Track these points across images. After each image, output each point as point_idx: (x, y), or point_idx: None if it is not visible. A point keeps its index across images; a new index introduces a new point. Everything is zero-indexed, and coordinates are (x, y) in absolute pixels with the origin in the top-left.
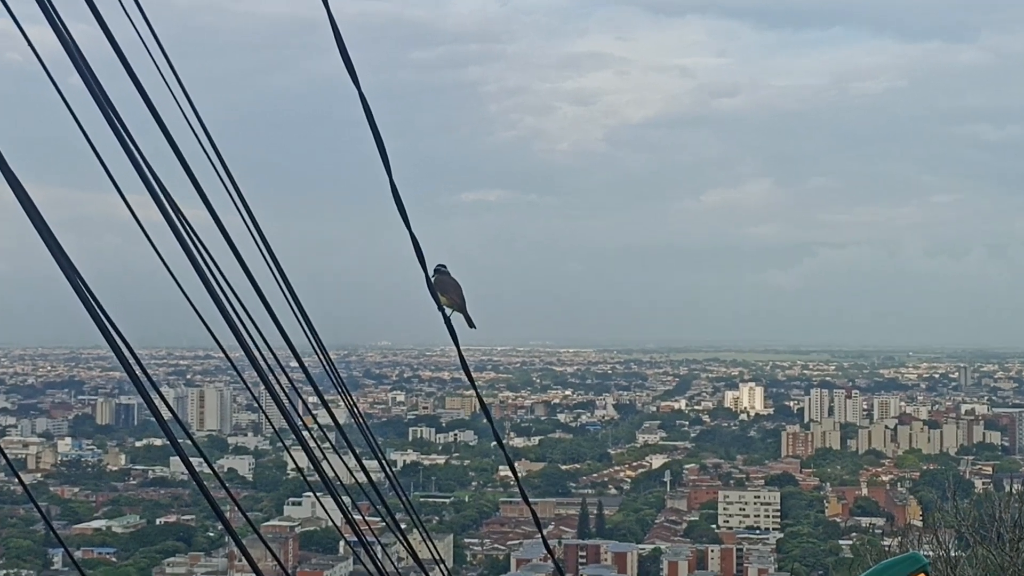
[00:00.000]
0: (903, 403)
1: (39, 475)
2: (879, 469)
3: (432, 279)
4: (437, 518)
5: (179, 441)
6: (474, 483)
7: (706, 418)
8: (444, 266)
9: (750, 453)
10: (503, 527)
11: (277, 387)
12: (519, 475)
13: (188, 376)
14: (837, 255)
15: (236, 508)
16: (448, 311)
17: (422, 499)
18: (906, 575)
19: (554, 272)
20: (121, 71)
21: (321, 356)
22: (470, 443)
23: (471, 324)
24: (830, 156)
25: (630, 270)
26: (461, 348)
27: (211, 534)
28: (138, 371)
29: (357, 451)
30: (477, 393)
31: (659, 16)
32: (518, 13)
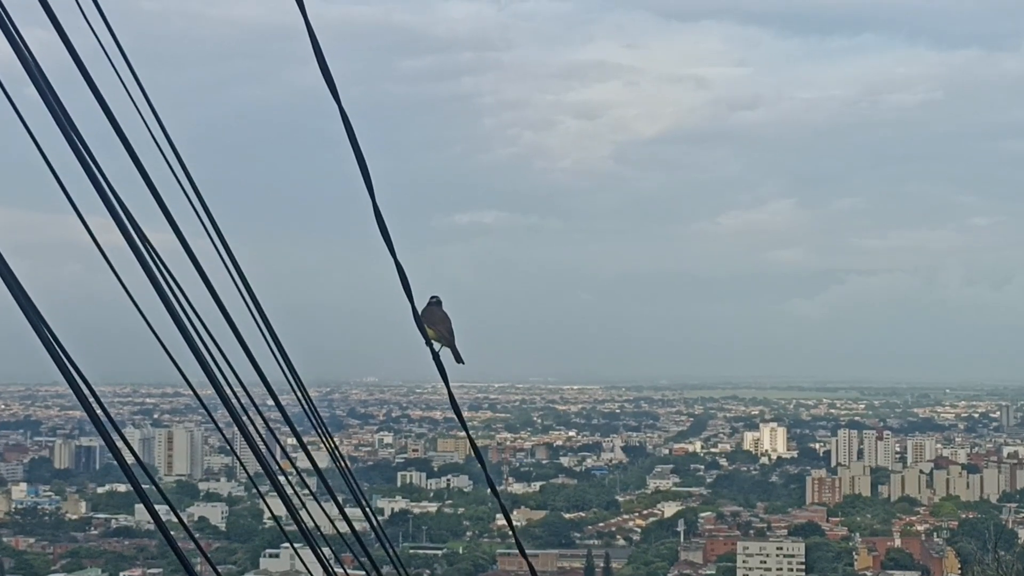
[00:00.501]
0: (940, 445)
1: None
2: (913, 518)
3: (421, 310)
4: (428, 572)
5: (144, 487)
6: (469, 533)
7: (723, 462)
8: (437, 297)
9: (772, 500)
10: None
11: (251, 428)
12: (518, 524)
13: (155, 416)
14: (867, 283)
15: (206, 561)
16: (436, 345)
17: (412, 551)
18: None
19: (557, 302)
20: (81, 82)
21: (300, 394)
22: (464, 489)
23: (459, 359)
24: (859, 175)
25: (640, 300)
26: (453, 385)
27: None
28: (99, 411)
29: (340, 498)
30: (468, 435)
31: (671, 22)
32: (516, 19)
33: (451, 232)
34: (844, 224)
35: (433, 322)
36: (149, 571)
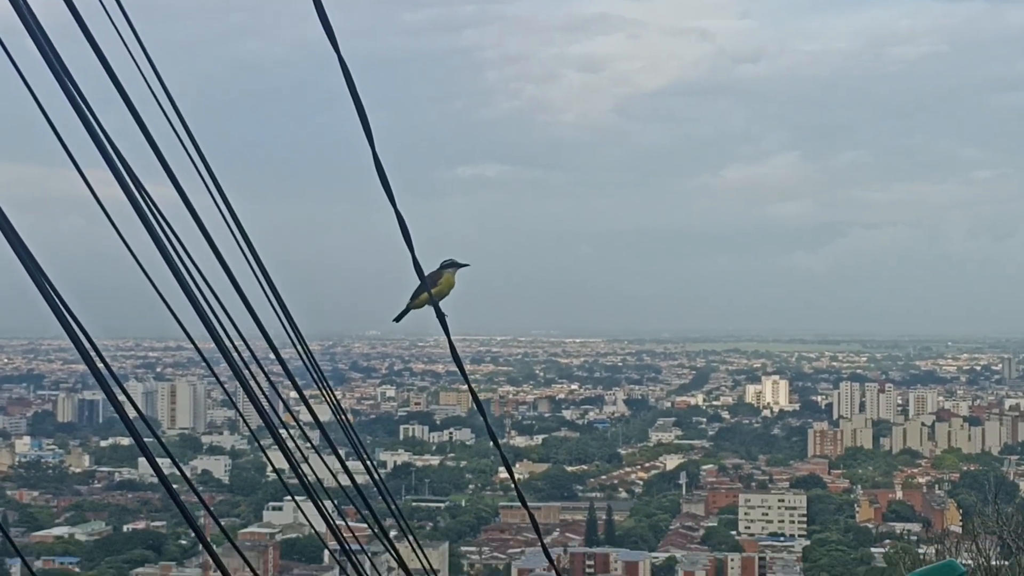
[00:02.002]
0: (941, 398)
1: None
2: (915, 470)
3: (425, 272)
4: (431, 524)
5: (147, 441)
6: (471, 486)
7: (726, 414)
8: (451, 260)
9: (774, 453)
10: (503, 534)
11: (253, 383)
12: (520, 477)
13: (158, 369)
14: (871, 236)
15: (209, 514)
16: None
17: (414, 504)
18: None
19: (559, 255)
20: (79, 36)
21: (300, 348)
22: (467, 442)
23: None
24: (864, 128)
25: (643, 253)
26: (455, 338)
27: (183, 542)
28: (100, 364)
29: (341, 452)
30: (471, 388)
31: None
32: None
33: (453, 185)
34: (848, 177)
35: (435, 281)
36: (152, 524)
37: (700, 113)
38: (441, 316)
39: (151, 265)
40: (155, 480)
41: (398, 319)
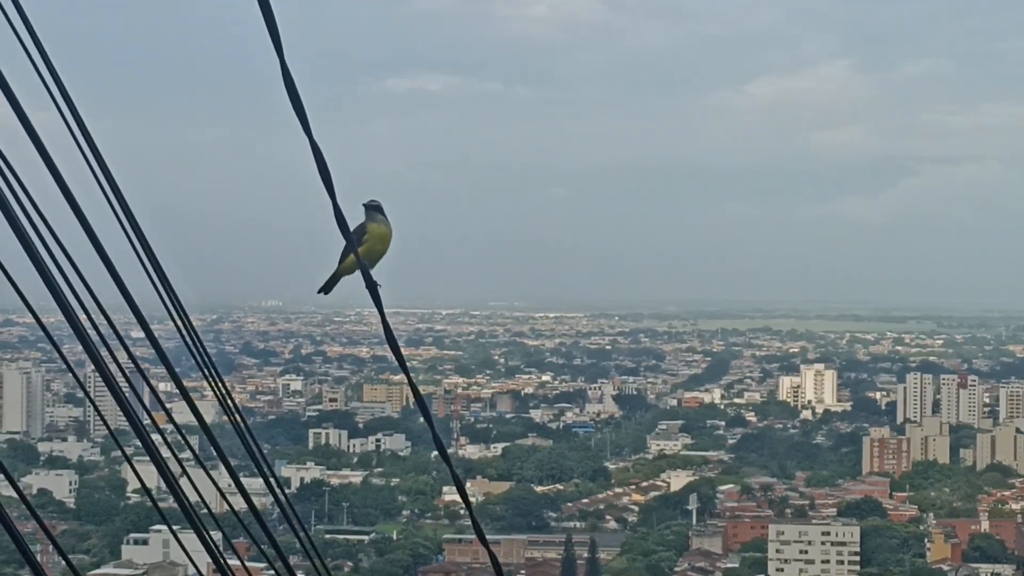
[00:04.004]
0: None
1: None
2: (1007, 493)
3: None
4: (351, 564)
5: None
6: (407, 512)
7: (751, 416)
8: (376, 202)
9: (816, 469)
10: None
11: (114, 367)
12: (473, 501)
13: None
14: (948, 175)
15: (54, 549)
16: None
17: (329, 535)
18: None
19: (526, 200)
20: None
21: (180, 323)
22: (400, 453)
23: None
24: (939, 28)
25: (639, 197)
26: (386, 311)
27: None
28: None
29: (232, 464)
30: (410, 379)
31: None
32: None
33: (383, 103)
34: (917, 95)
35: (362, 237)
36: None
37: (717, 5)
38: (372, 286)
39: None
40: None
41: (326, 290)
